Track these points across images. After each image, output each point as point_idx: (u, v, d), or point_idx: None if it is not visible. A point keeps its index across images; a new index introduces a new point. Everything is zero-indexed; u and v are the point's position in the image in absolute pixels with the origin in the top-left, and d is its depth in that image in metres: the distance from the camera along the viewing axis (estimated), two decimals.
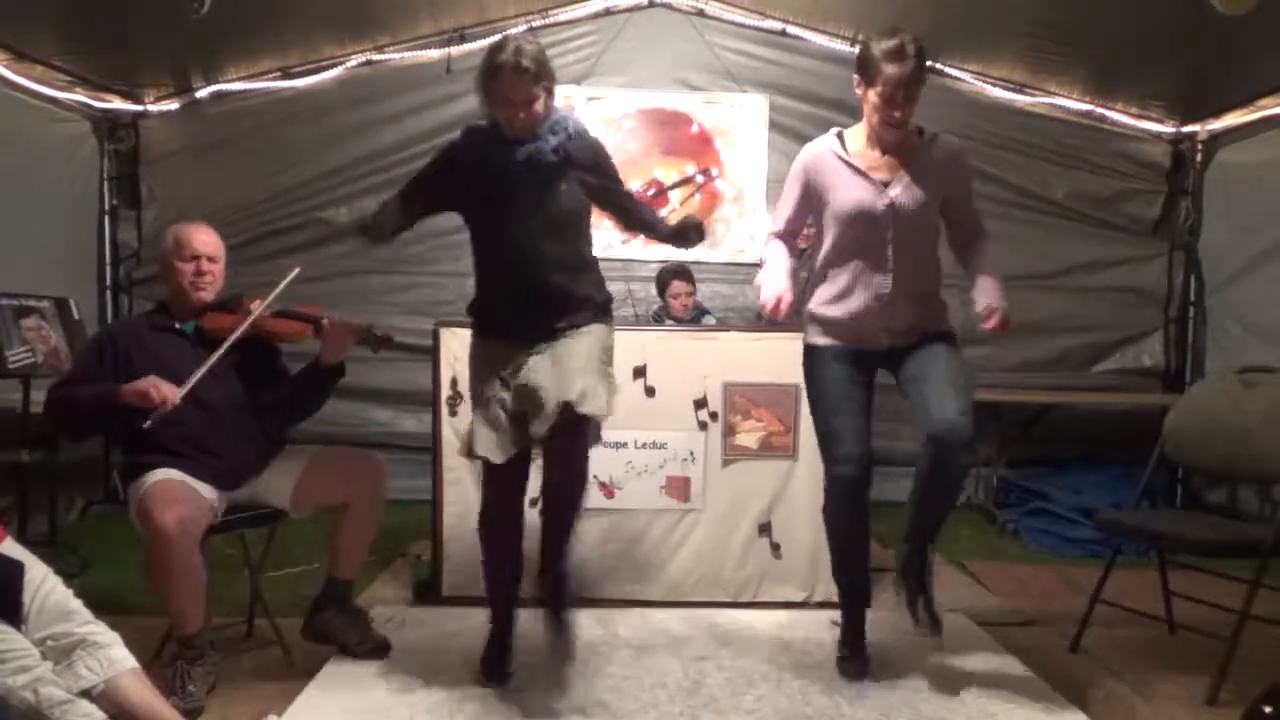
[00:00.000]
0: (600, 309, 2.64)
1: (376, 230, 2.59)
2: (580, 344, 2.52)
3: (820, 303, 2.68)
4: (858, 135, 2.65)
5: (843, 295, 2.63)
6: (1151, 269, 5.33)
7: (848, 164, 2.60)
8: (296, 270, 2.76)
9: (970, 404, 2.51)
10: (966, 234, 2.75)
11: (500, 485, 2.59)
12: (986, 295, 2.58)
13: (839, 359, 2.65)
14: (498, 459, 2.47)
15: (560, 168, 2.52)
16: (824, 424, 2.68)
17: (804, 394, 2.79)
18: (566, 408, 2.32)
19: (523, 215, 2.51)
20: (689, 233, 2.67)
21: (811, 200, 2.68)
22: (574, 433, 2.41)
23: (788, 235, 2.76)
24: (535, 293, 2.54)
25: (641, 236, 2.79)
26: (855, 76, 2.59)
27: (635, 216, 2.78)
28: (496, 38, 2.53)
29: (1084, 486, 4.72)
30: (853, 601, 2.80)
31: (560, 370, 2.42)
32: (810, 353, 2.72)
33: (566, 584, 2.58)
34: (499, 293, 2.61)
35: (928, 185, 2.58)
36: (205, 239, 2.75)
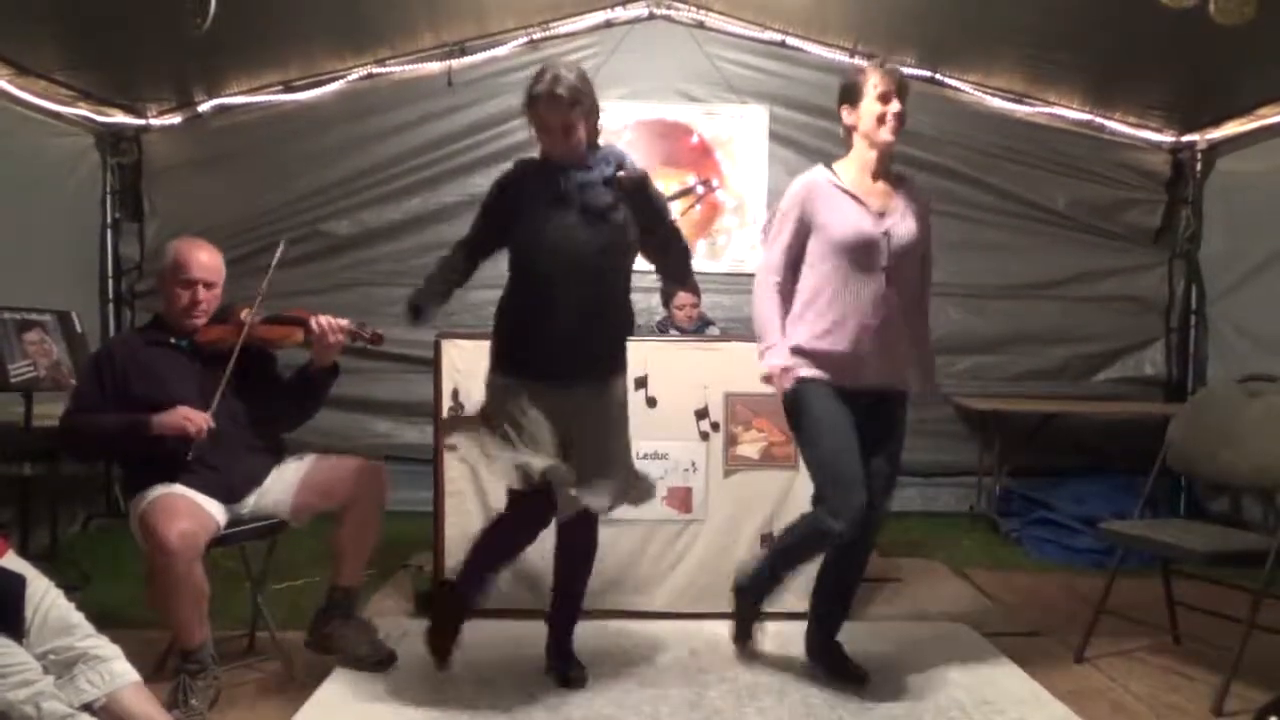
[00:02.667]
0: (623, 357, 2.69)
1: (421, 305, 2.60)
2: (611, 418, 2.62)
3: (808, 336, 2.62)
4: (848, 167, 2.67)
5: (834, 327, 2.59)
6: (1152, 278, 5.33)
7: (844, 191, 2.61)
8: (281, 247, 2.79)
9: (894, 484, 2.72)
10: (919, 290, 2.77)
11: (525, 516, 2.62)
12: (920, 380, 2.76)
13: (829, 392, 2.61)
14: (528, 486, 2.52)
15: (614, 198, 2.53)
16: (830, 465, 2.58)
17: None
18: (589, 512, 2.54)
19: (580, 239, 2.50)
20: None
21: (805, 230, 2.64)
22: (589, 526, 2.68)
23: (786, 273, 2.68)
24: (582, 322, 2.51)
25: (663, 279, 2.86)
26: (843, 109, 2.64)
27: (672, 257, 2.74)
28: (536, 68, 2.57)
29: (1087, 496, 4.71)
30: (831, 621, 2.88)
31: (594, 457, 2.56)
32: (800, 386, 2.62)
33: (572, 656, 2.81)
34: (543, 320, 2.54)
35: (916, 221, 2.63)
36: (205, 261, 2.73)
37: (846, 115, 2.63)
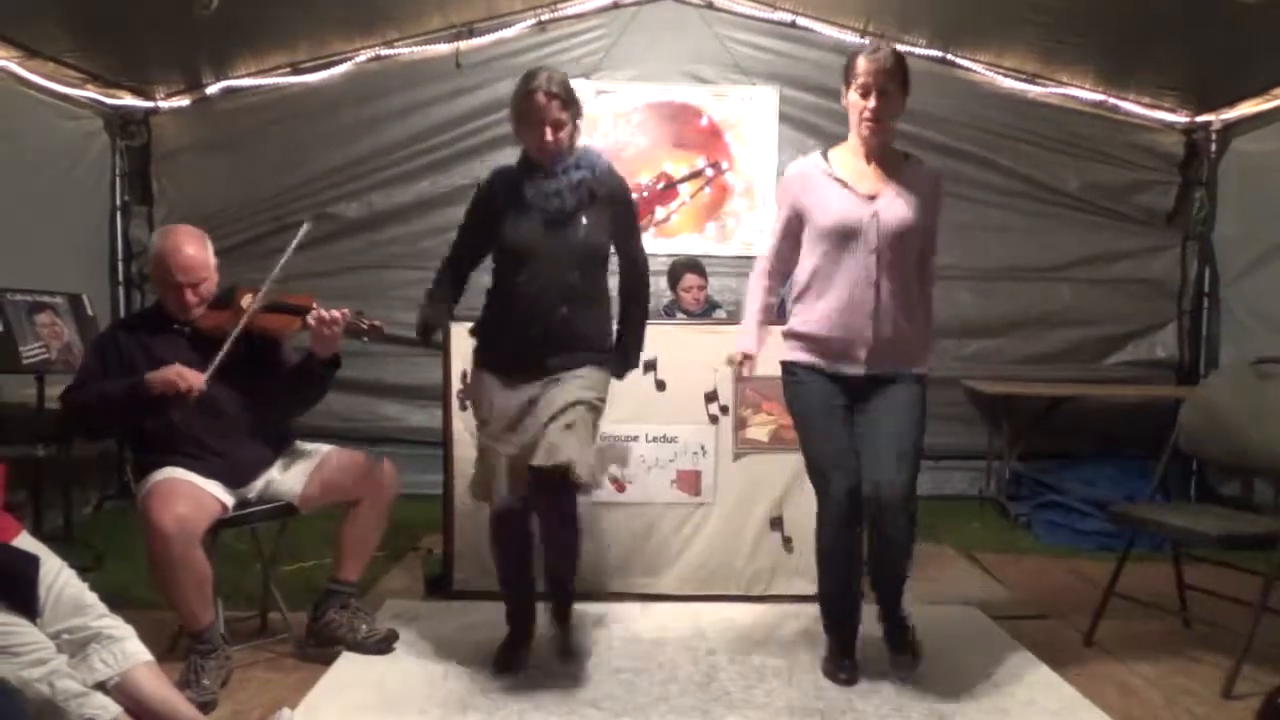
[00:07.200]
0: (602, 353, 2.68)
1: (430, 327, 2.72)
2: (577, 387, 2.56)
3: (801, 320, 2.63)
4: (843, 152, 2.65)
5: (827, 315, 2.58)
6: (1165, 260, 5.29)
7: (833, 178, 2.60)
8: (305, 228, 2.82)
9: (915, 465, 2.54)
10: (920, 271, 2.66)
11: (504, 516, 2.60)
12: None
13: (824, 382, 2.61)
14: (503, 493, 2.54)
15: (583, 201, 2.59)
16: (815, 452, 2.64)
17: None
18: (553, 470, 2.42)
19: (546, 245, 2.57)
20: (622, 365, 2.75)
21: (796, 219, 2.65)
22: (559, 489, 2.50)
23: (778, 263, 2.73)
24: (544, 323, 2.57)
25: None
26: (843, 88, 2.60)
27: (626, 276, 2.77)
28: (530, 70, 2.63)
29: (1097, 479, 4.70)
30: (841, 621, 2.75)
31: (552, 425, 2.48)
32: (792, 371, 2.67)
33: (570, 623, 2.79)
34: (509, 321, 2.63)
35: (912, 204, 2.56)
36: (188, 262, 2.67)
37: (843, 97, 2.61)
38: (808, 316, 2.62)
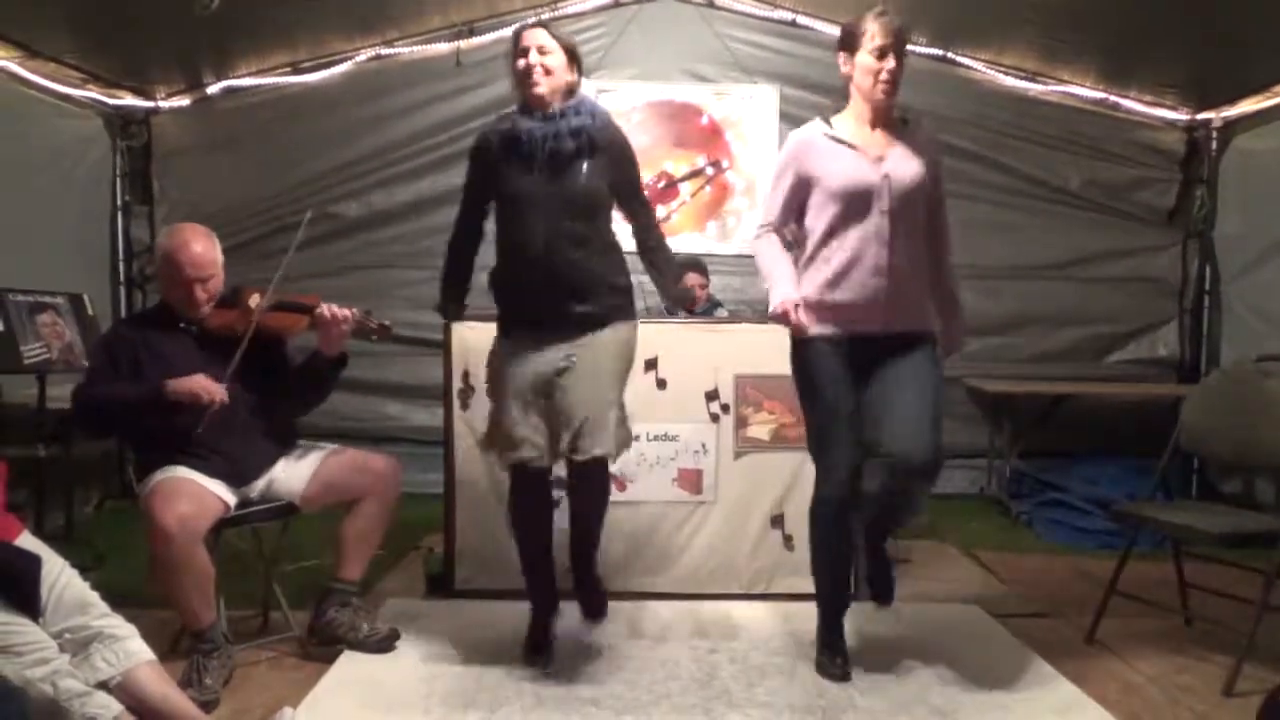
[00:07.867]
0: (624, 297, 2.66)
1: (451, 307, 2.83)
2: (607, 361, 2.56)
3: (815, 288, 2.56)
4: (845, 119, 2.60)
5: (839, 277, 2.53)
6: (1166, 258, 5.29)
7: (840, 141, 2.55)
8: (304, 227, 2.82)
9: (941, 425, 2.49)
10: (935, 237, 2.65)
11: (528, 478, 2.62)
12: (946, 337, 2.68)
13: (832, 354, 2.56)
14: (530, 458, 2.52)
15: (583, 148, 2.55)
16: (819, 432, 2.63)
17: None
18: (589, 460, 2.48)
19: (546, 191, 2.53)
20: (679, 299, 2.85)
21: (803, 186, 2.59)
22: (594, 473, 2.59)
23: (780, 227, 2.66)
24: (558, 270, 2.53)
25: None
26: (840, 55, 2.56)
27: (640, 228, 2.75)
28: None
29: (1098, 478, 4.70)
30: (831, 604, 2.78)
31: (590, 399, 2.49)
32: (803, 346, 2.60)
33: (598, 589, 2.85)
34: (522, 273, 2.59)
35: (920, 164, 2.53)
36: (197, 258, 2.68)
37: (843, 64, 2.56)
38: (820, 280, 2.55)
